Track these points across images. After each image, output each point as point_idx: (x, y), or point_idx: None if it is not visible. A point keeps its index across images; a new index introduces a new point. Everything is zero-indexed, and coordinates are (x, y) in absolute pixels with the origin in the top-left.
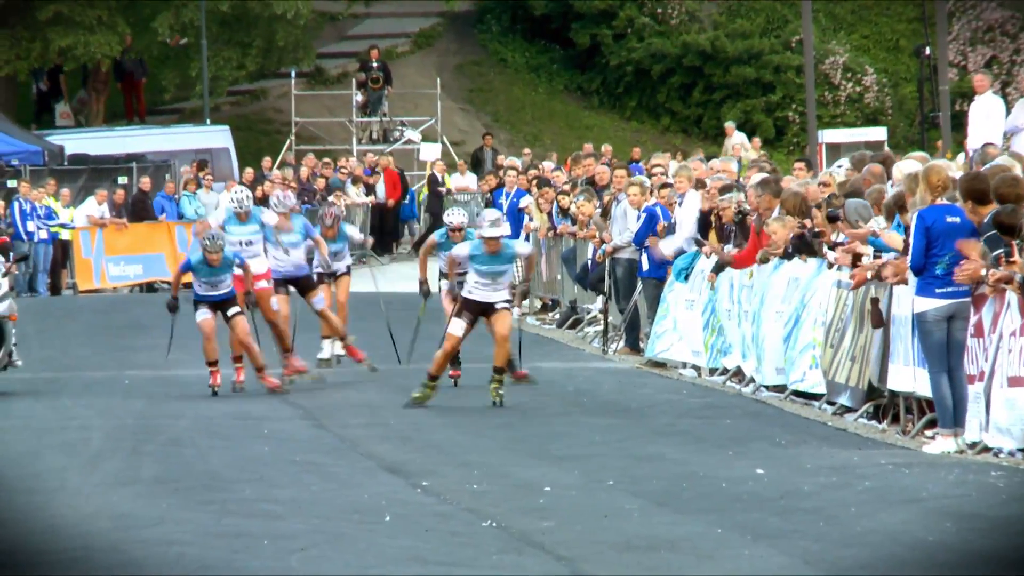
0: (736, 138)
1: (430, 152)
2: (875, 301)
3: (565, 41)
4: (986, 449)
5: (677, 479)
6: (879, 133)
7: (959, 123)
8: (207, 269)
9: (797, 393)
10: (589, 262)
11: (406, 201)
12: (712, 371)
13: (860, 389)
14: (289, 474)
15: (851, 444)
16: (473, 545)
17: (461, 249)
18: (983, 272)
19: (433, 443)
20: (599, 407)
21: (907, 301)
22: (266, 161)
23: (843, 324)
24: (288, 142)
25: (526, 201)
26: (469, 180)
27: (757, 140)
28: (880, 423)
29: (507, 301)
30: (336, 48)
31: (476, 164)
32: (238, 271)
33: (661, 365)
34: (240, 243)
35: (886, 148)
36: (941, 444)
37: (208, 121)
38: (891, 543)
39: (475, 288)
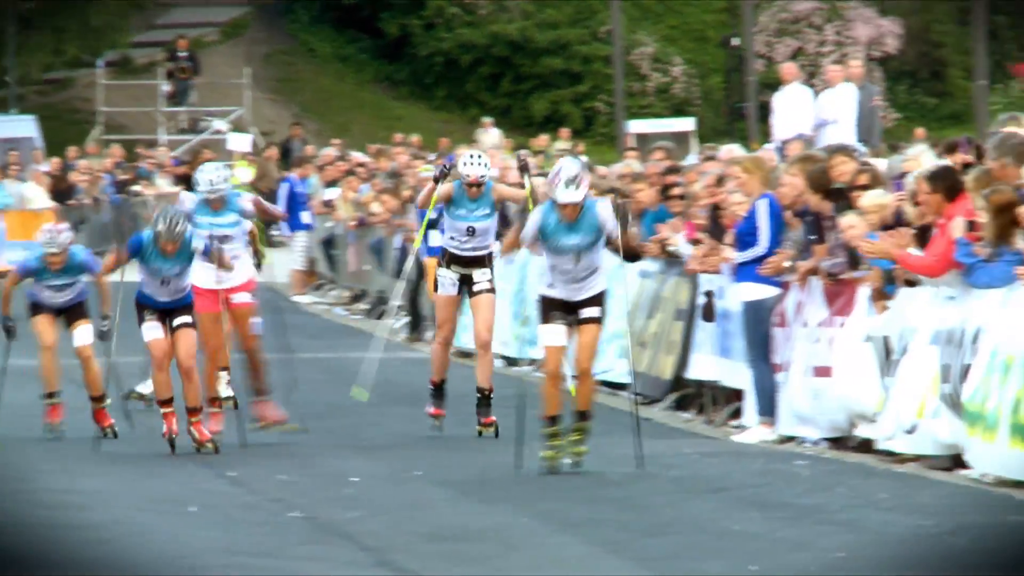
0: (491, 137)
1: (239, 143)
2: (709, 294)
3: (374, 31)
4: (790, 438)
5: (485, 469)
6: (687, 124)
7: (766, 113)
8: (160, 259)
9: (604, 383)
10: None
11: None
12: (516, 361)
13: (665, 379)
14: (94, 464)
15: (657, 434)
16: (280, 535)
17: (529, 224)
18: (787, 264)
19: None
20: (407, 397)
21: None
22: (71, 151)
23: (647, 314)
24: (94, 132)
25: (333, 192)
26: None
27: (566, 131)
28: (685, 413)
29: (598, 301)
30: (144, 37)
31: (285, 154)
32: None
33: (470, 355)
34: (211, 238)
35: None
36: (759, 433)
37: (14, 110)
38: (697, 532)
39: (556, 280)
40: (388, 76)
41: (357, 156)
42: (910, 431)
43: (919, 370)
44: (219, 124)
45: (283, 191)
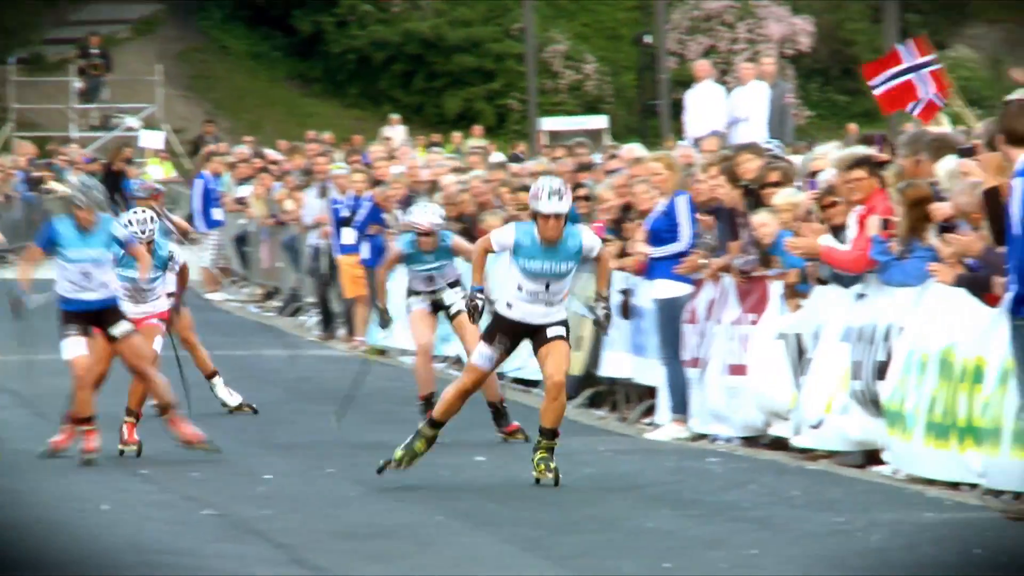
0: (398, 133)
1: (151, 140)
2: (627, 292)
3: (287, 28)
4: (703, 436)
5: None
6: (600, 121)
7: (678, 111)
8: (80, 240)
9: (517, 380)
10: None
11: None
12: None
13: (577, 376)
14: (4, 463)
15: (570, 431)
16: (192, 534)
17: (503, 236)
18: (702, 262)
19: (153, 430)
20: (320, 394)
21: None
22: None
23: None
24: (5, 129)
25: (246, 190)
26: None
27: (479, 128)
28: (598, 410)
29: (562, 324)
30: (55, 34)
31: (196, 151)
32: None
33: (382, 352)
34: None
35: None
36: (672, 430)
37: None
38: (610, 529)
39: (518, 301)
40: (301, 73)
41: (270, 153)
42: (816, 426)
43: (829, 367)
44: (131, 121)
45: (197, 188)
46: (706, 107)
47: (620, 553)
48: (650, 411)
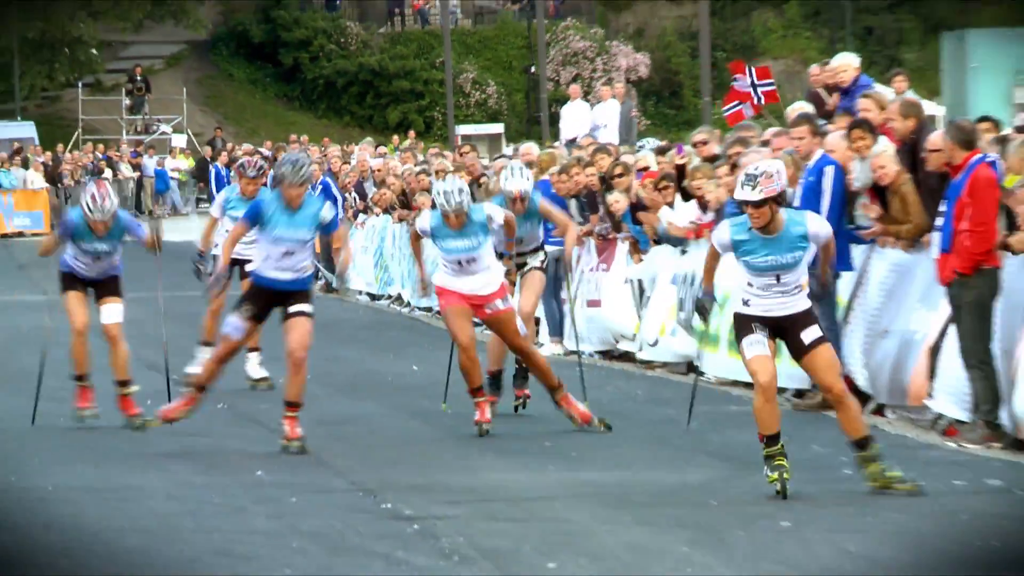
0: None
1: (179, 140)
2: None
3: (276, 61)
4: (574, 352)
5: (357, 375)
6: (498, 128)
7: (555, 120)
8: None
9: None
10: None
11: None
12: (378, 297)
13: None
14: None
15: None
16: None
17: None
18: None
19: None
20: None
21: None
22: (59, 147)
23: None
24: (76, 134)
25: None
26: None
27: (412, 132)
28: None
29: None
30: (111, 66)
31: (210, 148)
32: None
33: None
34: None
35: (503, 139)
36: (550, 348)
37: (19, 118)
38: (522, 418)
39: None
40: (285, 94)
41: (262, 151)
42: (653, 345)
43: (661, 303)
44: (164, 127)
45: (213, 174)
46: (575, 118)
47: (509, 426)
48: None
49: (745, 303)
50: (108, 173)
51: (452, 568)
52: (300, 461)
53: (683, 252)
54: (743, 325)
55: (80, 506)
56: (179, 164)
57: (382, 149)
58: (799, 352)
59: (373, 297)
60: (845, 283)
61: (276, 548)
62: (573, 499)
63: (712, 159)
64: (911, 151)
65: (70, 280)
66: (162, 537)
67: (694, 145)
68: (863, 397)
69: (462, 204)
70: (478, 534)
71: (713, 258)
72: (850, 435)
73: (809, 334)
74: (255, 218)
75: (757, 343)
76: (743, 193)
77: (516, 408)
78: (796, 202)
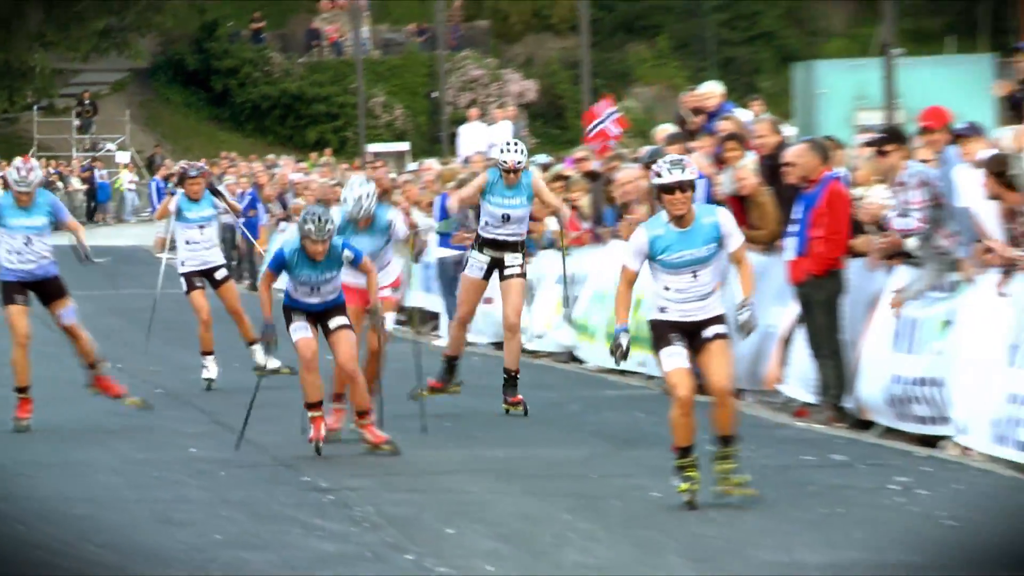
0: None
1: (123, 157)
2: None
3: (208, 87)
4: (469, 344)
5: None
6: (404, 146)
7: (454, 139)
8: (309, 264)
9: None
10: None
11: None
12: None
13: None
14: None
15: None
16: None
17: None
18: (466, 236)
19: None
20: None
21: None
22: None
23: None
24: (32, 151)
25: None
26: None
27: (329, 150)
28: (403, 327)
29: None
30: (63, 91)
31: (150, 164)
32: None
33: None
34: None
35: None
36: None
37: None
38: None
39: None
40: (216, 116)
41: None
42: (540, 337)
43: (548, 300)
44: (110, 145)
45: (152, 187)
46: (472, 137)
47: (412, 408)
48: (436, 328)
49: (662, 310)
50: (60, 185)
51: (362, 534)
52: (228, 439)
53: (569, 255)
54: (661, 335)
55: (34, 479)
56: (134, 177)
57: (302, 165)
58: (699, 346)
59: None
60: None
61: (208, 516)
62: (469, 473)
63: (591, 175)
64: (771, 165)
65: (11, 290)
66: (108, 506)
67: (575, 162)
68: None
69: (370, 209)
70: (385, 503)
71: (627, 286)
72: (720, 431)
73: (713, 329)
74: (279, 269)
75: (676, 355)
76: (672, 176)
77: (507, 411)
78: None
